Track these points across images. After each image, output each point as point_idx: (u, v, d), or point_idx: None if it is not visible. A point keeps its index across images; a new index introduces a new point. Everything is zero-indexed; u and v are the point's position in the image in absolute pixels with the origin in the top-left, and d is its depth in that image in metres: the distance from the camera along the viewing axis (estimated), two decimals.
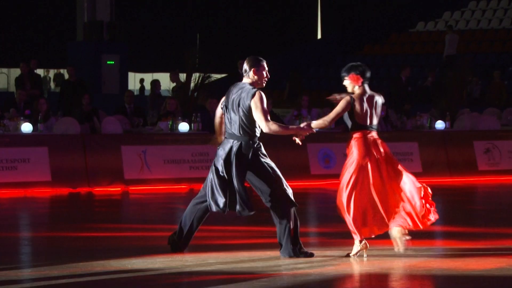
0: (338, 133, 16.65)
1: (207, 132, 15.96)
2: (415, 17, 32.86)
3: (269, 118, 8.72)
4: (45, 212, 13.38)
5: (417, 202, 9.03)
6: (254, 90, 8.68)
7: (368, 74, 9.15)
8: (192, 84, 17.35)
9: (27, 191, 14.51)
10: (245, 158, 8.70)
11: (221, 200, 8.70)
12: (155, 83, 19.87)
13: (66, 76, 26.86)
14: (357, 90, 9.10)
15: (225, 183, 8.70)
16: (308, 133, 9.00)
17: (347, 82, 9.13)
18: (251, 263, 8.65)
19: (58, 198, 14.28)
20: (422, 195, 9.06)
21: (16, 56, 31.11)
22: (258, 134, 8.81)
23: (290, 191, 8.81)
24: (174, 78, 19.20)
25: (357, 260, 8.85)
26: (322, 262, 8.73)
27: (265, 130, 8.70)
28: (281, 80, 24.81)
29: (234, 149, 8.71)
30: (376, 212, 8.93)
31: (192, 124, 15.97)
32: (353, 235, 8.91)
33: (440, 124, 17.36)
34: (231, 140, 8.77)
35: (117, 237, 10.42)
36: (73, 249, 9.50)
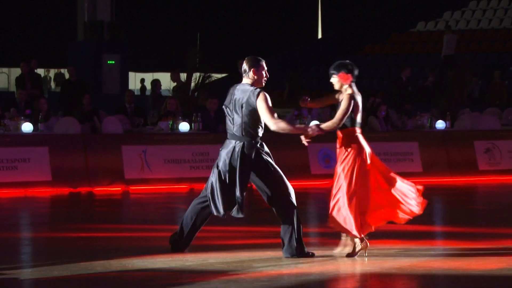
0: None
1: (207, 132, 15.96)
2: (416, 17, 32.85)
3: (276, 116, 8.72)
4: (46, 212, 13.37)
5: (410, 194, 9.02)
6: (258, 90, 8.69)
7: (356, 73, 9.14)
8: (192, 84, 17.34)
9: (27, 191, 14.50)
10: (249, 159, 8.70)
11: (220, 205, 8.71)
12: (156, 83, 19.87)
13: (67, 76, 26.85)
14: (346, 88, 9.07)
15: (226, 187, 8.70)
16: (316, 134, 8.94)
17: (335, 80, 9.08)
18: (252, 263, 8.64)
19: (59, 198, 14.27)
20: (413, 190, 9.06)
21: (17, 55, 31.10)
22: (260, 134, 8.81)
23: (292, 192, 8.81)
24: (175, 77, 19.19)
25: (358, 260, 8.83)
26: (323, 262, 8.72)
27: (273, 128, 8.70)
28: (282, 80, 24.79)
29: (237, 150, 8.71)
30: (374, 208, 8.95)
31: (192, 124, 15.96)
32: (354, 233, 8.88)
33: (440, 124, 17.35)
34: (233, 141, 8.77)
35: (117, 237, 10.41)
36: (73, 249, 9.50)
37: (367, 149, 9.06)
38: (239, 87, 8.81)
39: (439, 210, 14.02)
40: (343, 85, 9.08)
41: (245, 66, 8.79)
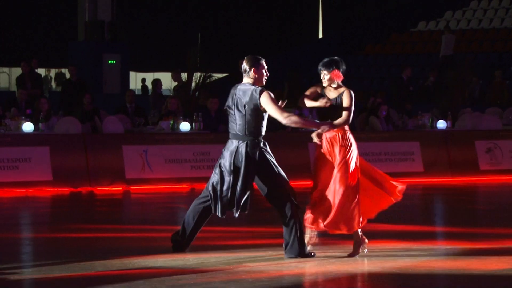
0: None
1: (208, 131, 15.95)
2: (417, 17, 32.81)
3: (285, 111, 8.74)
4: (46, 211, 13.36)
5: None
6: (259, 88, 8.70)
7: (344, 69, 9.14)
8: (193, 84, 17.33)
9: (28, 190, 14.49)
10: (253, 159, 8.69)
11: (223, 205, 8.72)
12: (156, 83, 19.86)
13: (67, 75, 26.84)
14: (337, 85, 9.03)
15: (229, 187, 8.70)
16: (327, 130, 8.89)
17: (327, 77, 9.03)
18: (253, 263, 8.63)
19: (60, 197, 14.26)
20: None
21: (17, 55, 31.08)
22: (263, 133, 8.81)
23: (294, 193, 8.81)
24: (176, 77, 19.17)
25: (359, 260, 8.82)
26: (324, 262, 8.71)
27: (286, 122, 8.71)
28: (282, 80, 24.78)
29: (241, 149, 8.70)
30: (364, 204, 8.98)
31: (193, 124, 15.95)
32: (356, 229, 8.88)
33: (441, 124, 17.33)
34: (236, 141, 8.76)
35: (118, 237, 10.40)
36: (74, 248, 9.49)
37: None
38: (240, 87, 8.81)
39: (440, 210, 14.00)
40: (332, 83, 9.03)
41: (245, 65, 8.79)
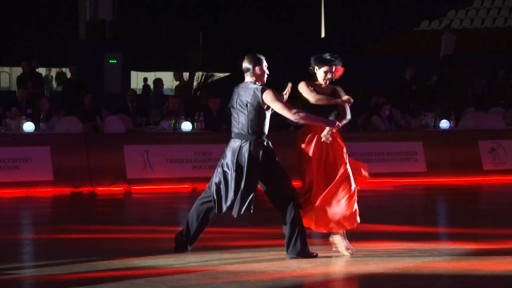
0: (343, 132, 16.53)
1: (209, 131, 15.90)
2: (420, 16, 32.77)
3: (292, 107, 8.71)
4: (47, 211, 13.33)
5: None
6: (261, 87, 8.70)
7: None
8: (195, 83, 17.29)
9: (29, 190, 14.45)
10: (256, 158, 8.67)
11: (228, 205, 8.69)
12: (158, 82, 19.82)
13: (68, 75, 26.81)
14: (327, 82, 9.00)
15: (232, 186, 8.66)
16: (335, 128, 8.86)
17: (331, 73, 8.95)
18: (255, 264, 8.61)
19: (60, 197, 14.23)
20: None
21: (18, 55, 31.05)
22: (266, 132, 8.80)
23: (296, 193, 8.80)
24: (178, 76, 19.13)
25: (362, 260, 8.78)
26: (327, 262, 8.68)
27: (294, 118, 8.70)
28: (283, 79, 24.69)
29: (245, 149, 8.67)
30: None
31: (195, 123, 15.90)
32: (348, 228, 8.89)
33: (444, 124, 17.27)
34: (239, 140, 8.73)
35: (119, 237, 10.36)
36: (75, 249, 9.45)
37: None
38: (242, 86, 8.81)
39: (443, 210, 13.96)
40: (329, 79, 8.97)
41: (247, 64, 8.77)
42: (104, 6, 26.87)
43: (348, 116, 8.99)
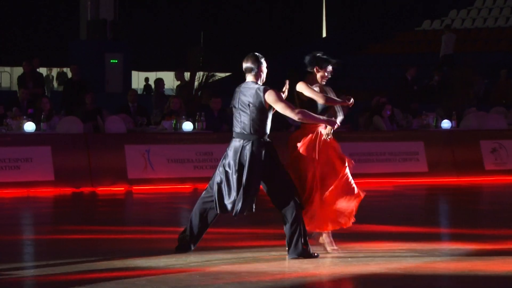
0: (344, 132, 16.55)
1: (211, 131, 15.87)
2: (421, 16, 32.73)
3: (294, 107, 8.73)
4: (48, 212, 13.31)
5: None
6: (263, 87, 8.70)
7: None
8: (196, 83, 17.26)
9: (30, 190, 14.42)
10: (259, 158, 8.65)
11: (230, 205, 8.68)
12: (159, 82, 19.79)
13: (69, 75, 26.77)
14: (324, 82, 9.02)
15: (234, 186, 8.64)
16: (335, 127, 8.89)
17: (330, 74, 8.97)
18: (256, 264, 8.59)
19: (61, 197, 14.20)
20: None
21: (19, 54, 31.03)
22: (268, 131, 8.79)
23: (298, 193, 8.78)
24: (179, 76, 19.10)
25: (364, 260, 8.75)
26: (328, 263, 8.67)
27: (297, 118, 8.72)
28: (282, 79, 24.60)
29: (247, 148, 8.66)
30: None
31: (196, 123, 15.87)
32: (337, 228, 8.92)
33: (446, 123, 17.24)
34: (241, 140, 8.72)
35: (120, 237, 10.34)
36: (76, 249, 9.43)
37: None
38: (244, 86, 8.79)
39: (444, 211, 13.93)
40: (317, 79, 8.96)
41: (250, 64, 8.76)
42: (105, 5, 26.84)
43: (342, 116, 9.01)
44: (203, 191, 9.03)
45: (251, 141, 8.68)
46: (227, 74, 26.50)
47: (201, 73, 17.39)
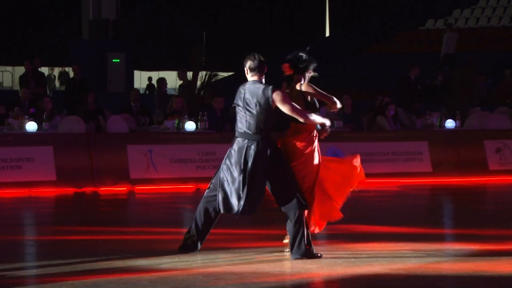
0: (347, 132, 16.51)
1: (213, 131, 15.82)
2: (425, 15, 32.67)
3: (301, 109, 8.72)
4: (50, 212, 13.28)
5: None
6: (270, 86, 8.67)
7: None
8: (198, 83, 17.22)
9: (31, 190, 14.39)
10: (264, 158, 8.62)
11: (235, 205, 8.64)
12: (161, 82, 19.74)
13: (71, 74, 26.74)
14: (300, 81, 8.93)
15: (239, 187, 8.60)
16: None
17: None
18: (259, 265, 8.56)
19: (63, 197, 14.17)
20: None
21: (21, 54, 31.01)
22: (270, 130, 8.73)
23: (302, 193, 8.74)
24: (182, 76, 19.05)
25: (367, 261, 8.71)
26: (331, 263, 8.62)
27: (305, 119, 8.70)
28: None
29: (252, 149, 8.62)
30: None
31: (198, 123, 15.83)
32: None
33: (450, 123, 17.18)
34: (246, 140, 8.67)
35: (122, 238, 10.31)
36: (78, 249, 9.40)
37: None
38: (249, 85, 8.74)
39: (448, 211, 13.89)
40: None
41: (255, 63, 8.71)
42: (107, 5, 26.78)
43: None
44: (207, 189, 8.97)
45: (256, 141, 8.64)
46: (230, 73, 26.47)
47: (204, 72, 17.34)
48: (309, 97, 8.94)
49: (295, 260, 8.65)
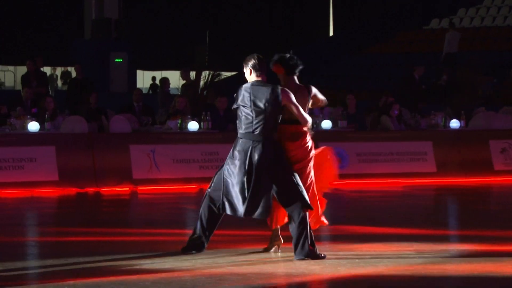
0: (351, 132, 16.45)
1: (216, 131, 15.76)
2: (429, 14, 32.59)
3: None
4: (52, 212, 13.24)
5: None
6: (279, 87, 8.66)
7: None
8: (201, 82, 17.16)
9: (33, 191, 14.34)
10: (270, 160, 8.59)
11: (240, 207, 8.61)
12: (164, 81, 19.70)
13: (74, 74, 26.68)
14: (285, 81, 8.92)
15: (244, 189, 8.56)
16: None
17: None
18: (262, 266, 8.53)
19: (66, 198, 14.13)
20: None
21: (23, 53, 30.98)
22: (275, 131, 8.72)
23: (306, 194, 8.71)
24: (185, 75, 18.99)
25: (372, 261, 8.65)
26: (335, 264, 8.58)
27: (304, 122, 8.76)
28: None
29: (257, 151, 8.59)
30: None
31: (201, 123, 15.77)
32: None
33: (455, 123, 17.11)
34: (250, 141, 8.63)
35: (125, 239, 10.27)
36: (80, 250, 9.35)
37: None
38: (255, 85, 8.68)
39: (453, 211, 13.83)
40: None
41: (259, 63, 8.68)
42: (109, 4, 26.76)
43: None
44: (207, 189, 8.94)
45: (261, 142, 8.60)
46: (233, 73, 26.37)
47: (207, 72, 17.28)
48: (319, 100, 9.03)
49: (298, 261, 8.61)
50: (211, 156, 15.31)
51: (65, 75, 37.03)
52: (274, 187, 8.65)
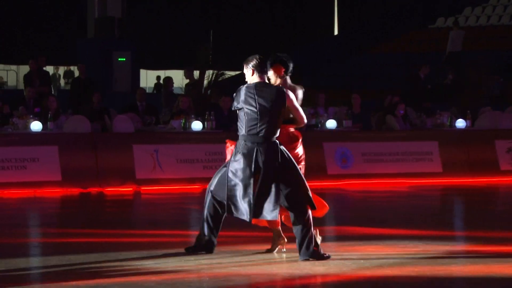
0: (356, 132, 16.39)
1: (220, 130, 15.70)
2: (435, 13, 32.52)
3: None
4: (55, 212, 13.22)
5: None
6: (283, 88, 8.64)
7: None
8: (205, 82, 17.10)
9: (36, 191, 14.32)
10: (275, 161, 8.54)
11: (246, 210, 8.56)
12: (168, 81, 19.65)
13: (76, 73, 26.64)
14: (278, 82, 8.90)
15: (249, 191, 8.51)
16: None
17: (270, 73, 8.87)
18: (267, 266, 8.50)
19: (69, 198, 14.11)
20: None
21: (25, 53, 30.96)
22: (278, 132, 8.68)
23: (311, 195, 8.68)
24: (188, 75, 18.93)
25: (376, 262, 8.61)
26: (339, 264, 8.54)
27: (303, 123, 8.89)
28: (296, 77, 24.38)
29: (262, 152, 8.53)
30: None
31: (205, 123, 15.71)
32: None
33: (461, 123, 17.05)
34: (254, 143, 8.58)
35: (129, 239, 10.22)
36: (83, 250, 9.29)
37: None
38: (260, 86, 8.61)
39: (459, 212, 13.78)
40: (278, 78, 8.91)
41: (262, 64, 8.66)
42: (112, 3, 26.72)
43: None
44: (209, 187, 8.89)
45: (265, 144, 8.55)
46: (237, 72, 26.30)
47: (211, 71, 17.22)
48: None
49: (303, 262, 8.57)
50: (215, 156, 15.24)
51: (68, 74, 37.01)
52: (282, 189, 8.58)
